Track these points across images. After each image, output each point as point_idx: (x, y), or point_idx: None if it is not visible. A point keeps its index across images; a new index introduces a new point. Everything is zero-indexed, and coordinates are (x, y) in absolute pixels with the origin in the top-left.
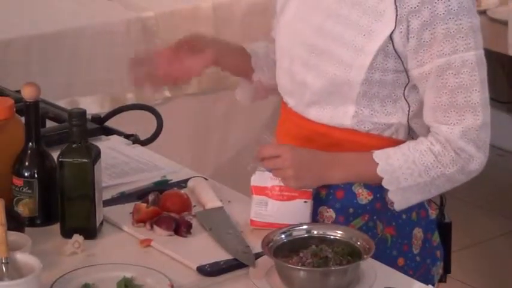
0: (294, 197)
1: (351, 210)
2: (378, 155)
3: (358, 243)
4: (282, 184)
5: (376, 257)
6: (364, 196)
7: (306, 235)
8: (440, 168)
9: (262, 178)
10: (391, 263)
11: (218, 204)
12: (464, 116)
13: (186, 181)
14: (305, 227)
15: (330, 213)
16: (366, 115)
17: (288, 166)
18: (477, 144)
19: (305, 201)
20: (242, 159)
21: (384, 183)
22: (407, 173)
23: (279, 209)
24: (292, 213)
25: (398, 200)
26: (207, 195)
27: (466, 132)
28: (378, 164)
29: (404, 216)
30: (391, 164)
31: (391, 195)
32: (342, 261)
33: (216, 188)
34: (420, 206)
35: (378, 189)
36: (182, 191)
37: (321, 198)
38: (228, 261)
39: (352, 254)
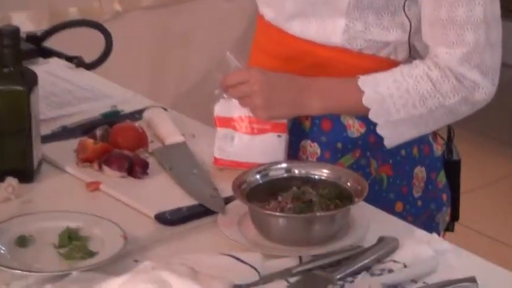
0: (265, 130)
1: (340, 145)
2: (365, 81)
3: (348, 184)
4: (250, 114)
5: (369, 200)
6: (355, 128)
7: (285, 175)
8: (439, 97)
9: (227, 107)
10: (388, 208)
11: (180, 138)
12: (464, 35)
13: (141, 112)
14: (284, 165)
15: (314, 148)
16: (358, 30)
17: (256, 92)
18: (482, 70)
19: (279, 136)
20: (208, 85)
21: (371, 115)
22: (399, 103)
23: (247, 144)
24: (263, 149)
25: (389, 136)
26: (166, 129)
27: (467, 56)
28: (363, 92)
29: (403, 153)
30: (380, 93)
31: (379, 130)
32: (328, 206)
33: (177, 120)
34: (423, 141)
35: (371, 121)
36: (136, 124)
37: (304, 130)
38: (192, 208)
39: (340, 197)
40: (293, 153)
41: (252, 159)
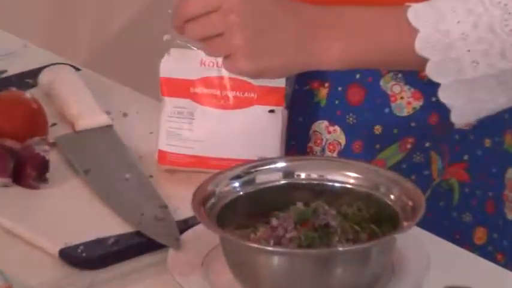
0: (248, 100)
1: (379, 128)
2: (418, 11)
3: (392, 197)
4: (223, 73)
5: (429, 224)
6: (405, 100)
7: (282, 182)
8: None
9: (182, 62)
10: (461, 237)
11: (102, 119)
12: None
13: (36, 73)
14: (282, 164)
15: (335, 134)
16: None
17: (234, 26)
18: None
19: (271, 110)
20: (147, 31)
21: (430, 71)
22: (478, 50)
23: (216, 126)
24: (244, 136)
25: (459, 105)
26: (79, 102)
27: None
28: (417, 30)
29: (487, 143)
30: (444, 32)
31: (443, 95)
32: (358, 235)
33: (98, 87)
34: None
35: (433, 86)
36: (28, 94)
37: (317, 103)
38: (124, 238)
39: (378, 220)
40: (299, 144)
41: (225, 152)
